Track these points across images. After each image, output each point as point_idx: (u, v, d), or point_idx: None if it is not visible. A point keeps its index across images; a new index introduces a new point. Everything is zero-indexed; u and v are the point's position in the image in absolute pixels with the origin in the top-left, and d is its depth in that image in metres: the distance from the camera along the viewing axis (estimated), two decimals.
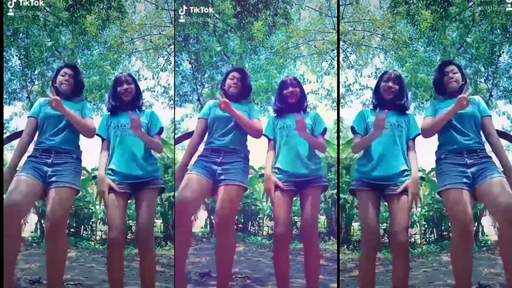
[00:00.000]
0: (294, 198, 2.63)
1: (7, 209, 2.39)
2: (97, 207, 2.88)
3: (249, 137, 2.67)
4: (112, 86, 2.69)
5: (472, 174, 2.42)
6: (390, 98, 2.57)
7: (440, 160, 2.52)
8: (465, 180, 2.41)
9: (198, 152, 2.65)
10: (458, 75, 2.57)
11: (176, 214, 2.50)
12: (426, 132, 2.55)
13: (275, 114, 2.71)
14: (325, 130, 2.67)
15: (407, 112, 2.60)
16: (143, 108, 2.73)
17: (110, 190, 2.54)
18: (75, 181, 2.52)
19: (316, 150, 2.63)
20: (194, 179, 2.53)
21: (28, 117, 2.60)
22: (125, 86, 2.64)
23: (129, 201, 2.60)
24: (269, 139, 2.70)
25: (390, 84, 2.57)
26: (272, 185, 2.58)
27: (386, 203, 2.55)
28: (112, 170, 2.57)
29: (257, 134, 2.66)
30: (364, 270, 2.54)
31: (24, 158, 2.55)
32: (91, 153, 2.69)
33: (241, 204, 2.93)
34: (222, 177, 2.55)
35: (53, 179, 2.48)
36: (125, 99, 2.65)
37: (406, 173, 2.50)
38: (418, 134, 2.57)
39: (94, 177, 2.96)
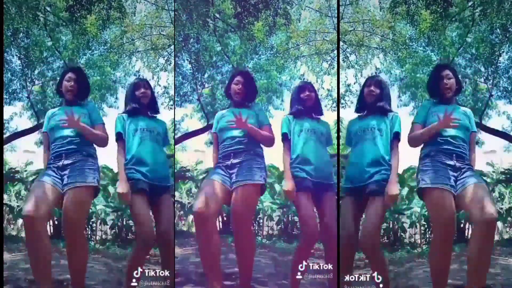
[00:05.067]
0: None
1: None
2: (98, 207, 2.87)
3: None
4: (129, 90, 2.82)
5: (456, 178, 2.53)
6: (371, 101, 2.70)
7: (427, 157, 2.58)
8: (452, 182, 2.52)
9: None
10: (453, 81, 2.66)
11: None
12: (413, 142, 2.65)
13: (292, 115, 2.83)
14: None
15: (391, 113, 2.72)
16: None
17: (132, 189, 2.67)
18: (86, 178, 2.61)
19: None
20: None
21: (42, 132, 2.77)
22: (143, 90, 2.78)
23: None
24: (287, 139, 2.79)
25: (372, 88, 2.70)
26: (292, 188, 2.69)
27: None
28: (135, 169, 2.70)
29: (270, 143, 2.78)
30: None
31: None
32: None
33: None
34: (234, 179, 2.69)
35: (65, 181, 2.60)
36: (144, 103, 2.77)
37: (382, 171, 2.62)
38: (397, 133, 2.67)
39: None
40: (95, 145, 2.71)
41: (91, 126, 2.70)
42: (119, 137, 2.75)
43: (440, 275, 2.56)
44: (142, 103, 2.79)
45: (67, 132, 2.66)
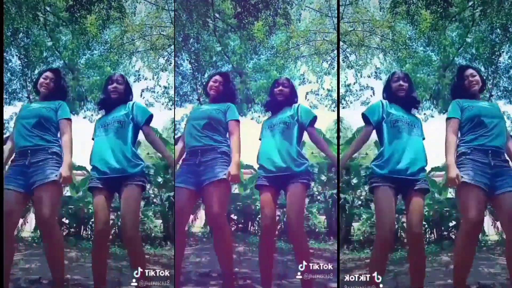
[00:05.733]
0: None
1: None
2: None
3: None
4: (104, 83, 2.84)
5: (492, 176, 2.54)
6: (403, 95, 2.71)
7: (463, 155, 2.59)
8: (487, 181, 2.53)
9: None
10: (478, 78, 2.70)
11: None
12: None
13: (267, 112, 2.88)
14: (314, 118, 2.80)
15: (417, 113, 2.75)
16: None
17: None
18: (49, 175, 2.62)
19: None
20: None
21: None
22: (115, 84, 2.78)
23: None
24: None
25: (401, 82, 2.71)
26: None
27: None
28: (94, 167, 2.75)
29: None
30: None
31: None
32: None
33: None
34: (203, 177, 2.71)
35: (32, 179, 2.60)
36: (113, 97, 2.77)
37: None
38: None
39: None
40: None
41: (55, 120, 2.71)
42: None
43: (463, 269, 2.58)
44: (111, 98, 2.78)
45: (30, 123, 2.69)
